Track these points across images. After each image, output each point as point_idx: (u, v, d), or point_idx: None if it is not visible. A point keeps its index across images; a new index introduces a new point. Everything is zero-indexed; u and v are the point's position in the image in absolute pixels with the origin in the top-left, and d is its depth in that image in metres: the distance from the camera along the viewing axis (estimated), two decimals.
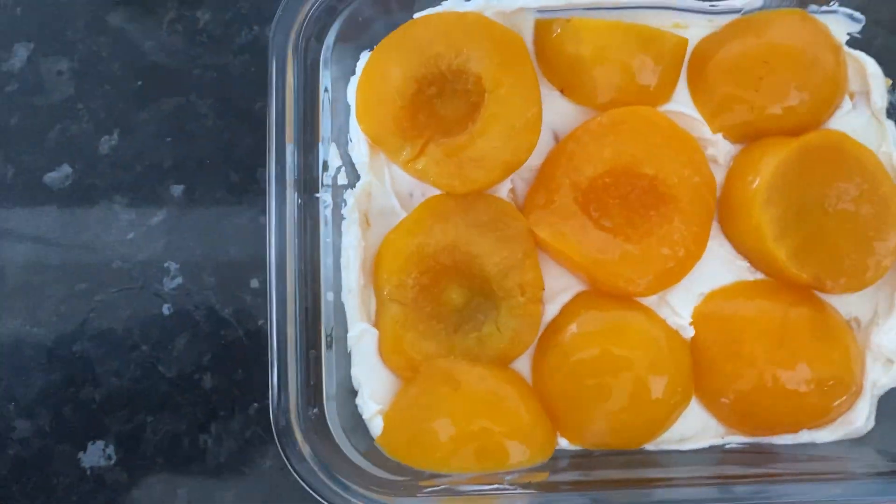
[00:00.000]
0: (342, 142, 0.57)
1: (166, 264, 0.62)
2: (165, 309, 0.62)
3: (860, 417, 0.56)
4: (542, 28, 0.58)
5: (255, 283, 0.62)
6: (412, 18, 0.56)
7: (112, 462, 0.61)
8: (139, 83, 0.64)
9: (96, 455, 0.61)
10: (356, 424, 0.55)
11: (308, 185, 0.53)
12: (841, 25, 0.59)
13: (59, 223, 0.63)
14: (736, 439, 0.57)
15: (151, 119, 0.64)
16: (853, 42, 0.60)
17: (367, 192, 0.57)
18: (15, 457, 0.61)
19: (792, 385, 0.55)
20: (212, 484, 0.61)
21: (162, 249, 0.63)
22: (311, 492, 0.50)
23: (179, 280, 0.62)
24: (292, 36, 0.52)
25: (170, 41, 0.64)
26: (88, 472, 0.61)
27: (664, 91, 0.58)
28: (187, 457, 0.61)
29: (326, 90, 0.55)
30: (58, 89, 0.64)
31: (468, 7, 0.56)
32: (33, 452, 0.61)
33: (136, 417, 0.62)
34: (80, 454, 0.61)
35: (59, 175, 0.63)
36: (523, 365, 0.57)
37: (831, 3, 0.58)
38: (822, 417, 0.56)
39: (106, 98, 0.64)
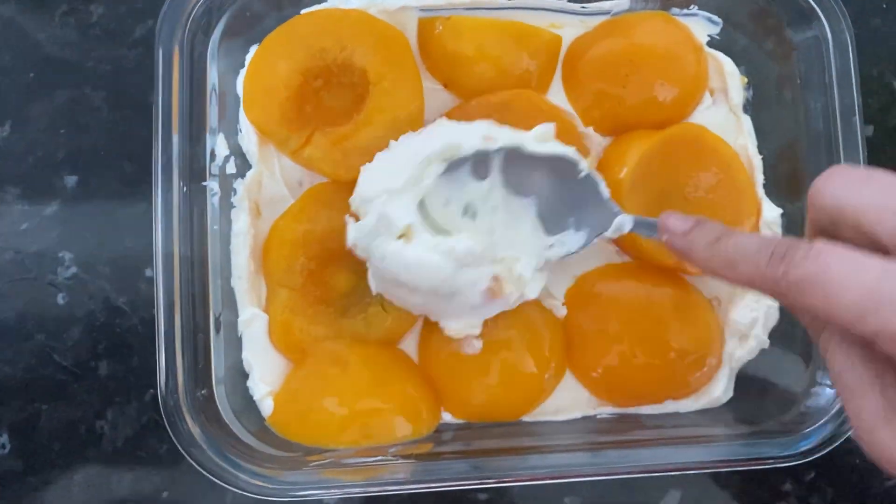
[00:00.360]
0: (231, 132, 0.59)
1: (60, 254, 0.63)
2: (60, 298, 0.63)
3: (719, 388, 0.61)
4: (425, 26, 0.61)
5: (149, 273, 0.63)
6: (299, 14, 0.58)
7: (6, 451, 0.62)
8: (31, 75, 0.64)
9: None
10: (247, 406, 0.57)
11: (195, 174, 0.55)
12: (701, 27, 0.64)
13: None
14: (607, 410, 0.61)
15: (44, 111, 0.64)
16: (715, 44, 0.65)
17: (258, 181, 0.59)
18: None
19: (656, 359, 0.59)
20: (109, 469, 0.62)
21: (56, 240, 0.63)
22: (200, 469, 0.51)
23: (74, 270, 0.63)
24: (178, 29, 0.54)
25: (63, 34, 0.65)
26: None
27: (541, 85, 0.62)
28: (83, 443, 0.62)
29: (214, 83, 0.57)
30: None
31: (353, 4, 0.59)
32: None
33: (31, 406, 0.62)
34: None
35: None
36: (410, 344, 0.60)
37: (691, 7, 0.63)
38: (684, 389, 0.61)
39: None
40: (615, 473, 0.55)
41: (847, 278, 0.36)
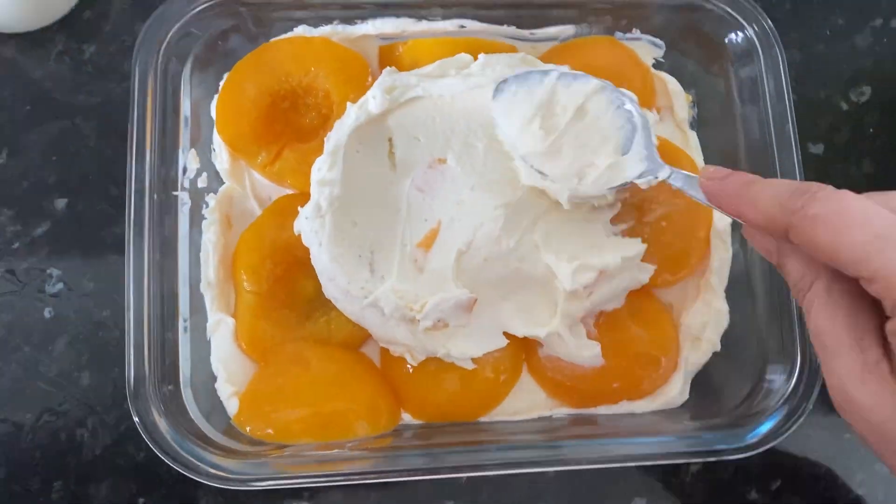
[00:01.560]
0: (204, 151, 0.63)
1: (48, 271, 0.67)
2: (47, 312, 0.67)
3: (675, 390, 0.63)
4: (386, 51, 0.66)
5: None
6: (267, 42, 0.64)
7: None
8: (28, 108, 0.70)
9: None
10: (215, 407, 0.60)
11: (167, 186, 0.59)
12: (646, 50, 0.68)
13: None
14: (563, 411, 0.63)
15: (38, 140, 0.69)
16: (663, 67, 0.69)
17: (229, 196, 0.63)
18: None
19: (613, 360, 0.61)
20: (87, 475, 0.64)
21: (45, 257, 0.67)
22: (163, 458, 0.54)
23: (61, 286, 0.67)
24: (153, 55, 0.59)
25: (57, 70, 0.71)
26: None
27: None
28: (64, 450, 0.65)
29: (188, 105, 0.62)
30: None
31: (316, 33, 0.64)
32: None
33: (16, 415, 0.65)
34: None
35: None
36: (373, 348, 0.63)
37: (634, 31, 0.68)
38: (640, 390, 0.63)
39: None
40: (571, 464, 0.56)
41: (860, 219, 0.39)
